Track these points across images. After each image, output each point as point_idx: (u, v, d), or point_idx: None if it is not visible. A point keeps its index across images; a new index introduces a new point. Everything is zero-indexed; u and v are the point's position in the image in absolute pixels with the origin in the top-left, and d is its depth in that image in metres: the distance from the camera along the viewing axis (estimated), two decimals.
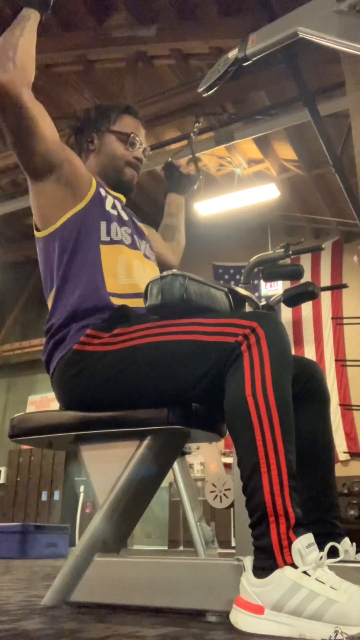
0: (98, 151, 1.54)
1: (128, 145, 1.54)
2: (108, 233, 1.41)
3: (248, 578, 0.97)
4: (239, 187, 6.79)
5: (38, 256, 1.45)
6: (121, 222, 1.46)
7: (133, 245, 1.45)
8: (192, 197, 6.20)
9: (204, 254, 7.94)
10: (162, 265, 1.65)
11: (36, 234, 1.43)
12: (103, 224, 1.41)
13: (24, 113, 1.26)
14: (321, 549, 0.98)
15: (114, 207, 1.47)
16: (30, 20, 1.34)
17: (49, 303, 1.39)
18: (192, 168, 1.88)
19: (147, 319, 1.24)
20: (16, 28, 1.32)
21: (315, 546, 0.97)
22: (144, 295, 1.22)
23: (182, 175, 1.87)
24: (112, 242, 1.40)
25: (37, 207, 1.41)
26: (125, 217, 1.49)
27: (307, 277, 1.91)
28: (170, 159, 1.89)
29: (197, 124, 1.92)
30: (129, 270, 1.39)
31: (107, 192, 1.48)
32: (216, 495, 4.45)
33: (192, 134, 1.99)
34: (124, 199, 1.57)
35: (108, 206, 1.44)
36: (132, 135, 1.55)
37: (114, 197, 1.50)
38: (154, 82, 5.43)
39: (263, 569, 0.96)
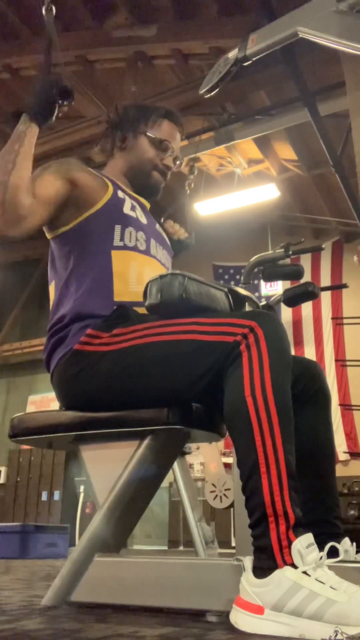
0: (129, 150, 1.52)
1: (160, 151, 1.52)
2: (122, 238, 1.38)
3: (248, 578, 0.97)
4: (239, 187, 6.80)
5: (49, 256, 1.44)
6: (138, 227, 1.42)
7: (147, 252, 1.43)
8: (192, 200, 6.20)
9: (204, 254, 7.92)
10: None
11: (47, 234, 1.43)
12: (118, 228, 1.38)
13: (21, 237, 1.26)
14: (321, 549, 0.98)
15: (132, 208, 1.43)
16: (26, 139, 1.27)
17: (52, 304, 1.39)
18: (182, 232, 1.66)
19: (146, 319, 1.24)
20: (10, 153, 1.24)
21: (315, 546, 0.97)
22: (144, 295, 1.22)
23: (172, 241, 1.63)
24: (124, 247, 1.38)
25: None
26: (144, 220, 1.46)
27: (307, 277, 1.91)
28: (162, 219, 1.67)
29: (192, 175, 1.83)
30: (140, 277, 1.36)
31: (126, 194, 1.45)
32: (216, 495, 4.46)
33: (186, 187, 1.90)
34: (147, 205, 1.54)
35: (126, 209, 1.42)
36: (165, 142, 1.52)
37: (136, 200, 1.47)
38: (154, 82, 5.43)
39: (263, 569, 0.96)
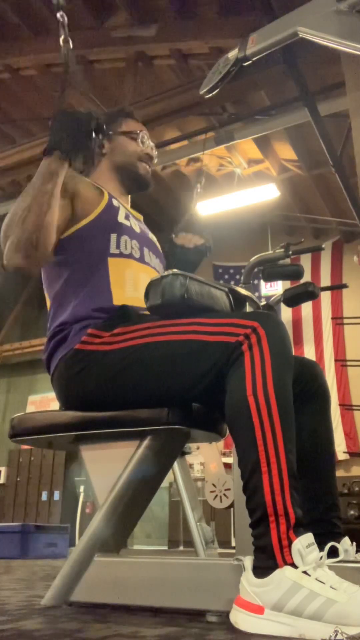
0: (110, 153, 1.56)
1: (139, 142, 1.57)
2: (117, 246, 1.40)
3: (248, 578, 0.97)
4: (239, 187, 6.80)
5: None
6: (132, 235, 1.45)
7: (142, 259, 1.45)
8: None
9: None
10: None
11: None
12: (113, 237, 1.40)
13: (48, 262, 1.33)
14: (321, 548, 0.98)
15: (126, 217, 1.46)
16: (59, 179, 1.25)
17: (50, 312, 1.39)
18: (196, 238, 1.61)
19: (148, 319, 1.24)
20: (44, 193, 1.23)
21: (315, 546, 0.97)
22: (145, 295, 1.22)
23: (188, 251, 1.60)
24: (120, 255, 1.39)
25: None
26: (137, 229, 1.48)
27: (307, 277, 1.91)
28: (173, 235, 1.63)
29: (199, 184, 1.82)
30: (136, 284, 1.38)
31: (120, 203, 1.47)
32: (216, 495, 4.46)
33: (195, 195, 1.89)
34: (141, 217, 1.58)
35: (121, 217, 1.44)
36: (139, 132, 1.58)
37: (128, 211, 1.50)
38: (154, 82, 5.43)
39: (263, 568, 0.96)
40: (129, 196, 1.61)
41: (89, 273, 1.35)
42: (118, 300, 1.34)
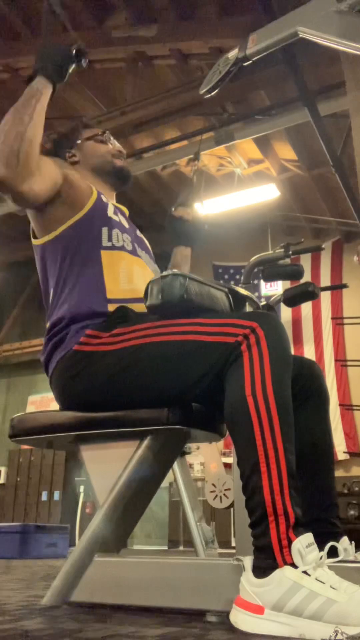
0: (82, 159, 1.59)
1: (107, 143, 1.62)
2: (109, 239, 1.41)
3: (248, 578, 0.97)
4: (239, 187, 6.80)
5: (36, 262, 1.45)
6: (123, 229, 1.47)
7: (134, 252, 1.46)
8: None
9: (204, 254, 7.93)
10: None
11: (34, 241, 1.44)
12: (105, 230, 1.42)
13: (27, 199, 1.30)
14: (321, 548, 0.98)
15: (115, 213, 1.48)
16: (42, 97, 1.31)
17: (48, 308, 1.39)
18: (195, 212, 1.69)
19: (147, 319, 1.24)
20: (27, 106, 1.27)
21: (315, 546, 0.97)
22: (144, 295, 1.22)
23: (186, 224, 1.66)
24: (113, 247, 1.41)
25: (35, 221, 1.42)
26: (126, 225, 1.51)
27: (307, 277, 1.92)
28: (172, 209, 1.70)
29: (197, 161, 1.86)
30: (129, 276, 1.39)
31: (107, 199, 1.50)
32: (216, 495, 4.46)
33: (192, 174, 1.94)
34: (126, 211, 1.60)
35: (110, 212, 1.46)
36: (103, 134, 1.63)
37: (116, 207, 1.53)
38: (154, 82, 5.43)
39: (263, 568, 0.96)
40: (114, 194, 1.64)
41: (84, 267, 1.36)
42: (111, 292, 1.34)
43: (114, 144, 1.63)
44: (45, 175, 1.31)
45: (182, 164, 6.92)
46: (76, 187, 1.42)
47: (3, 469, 8.81)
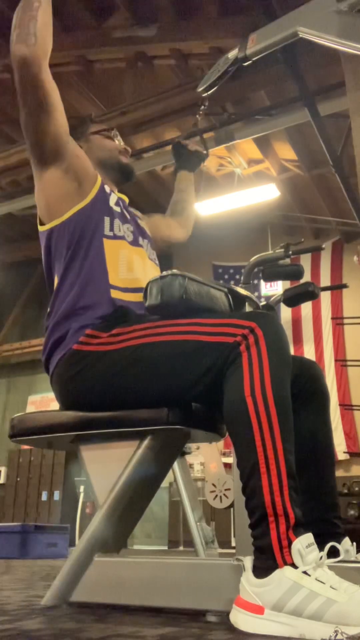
0: (89, 151, 1.59)
1: (111, 139, 1.63)
2: (111, 228, 1.43)
3: (248, 578, 0.97)
4: (239, 187, 6.79)
5: (42, 250, 1.45)
6: (124, 219, 1.49)
7: (135, 242, 1.48)
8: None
9: (204, 254, 7.94)
10: (171, 242, 1.82)
11: (40, 228, 1.44)
12: (107, 219, 1.43)
13: (42, 88, 1.30)
14: (321, 548, 0.98)
15: (117, 204, 1.50)
16: None
17: (52, 294, 1.40)
18: (199, 144, 1.97)
19: (146, 319, 1.24)
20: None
21: (315, 546, 0.97)
22: (144, 295, 1.22)
23: (190, 153, 1.93)
24: (114, 237, 1.42)
25: (43, 199, 1.42)
26: (127, 215, 1.53)
27: (307, 277, 1.92)
28: (177, 139, 2.00)
29: (203, 107, 1.95)
30: (129, 265, 1.40)
31: (110, 190, 1.52)
32: (216, 495, 4.45)
33: (197, 115, 2.02)
34: (126, 199, 1.61)
35: (112, 203, 1.48)
36: (110, 130, 1.64)
37: (118, 198, 1.54)
38: (154, 82, 5.43)
39: (263, 569, 0.96)
40: (116, 189, 1.64)
41: (87, 255, 1.37)
42: (113, 280, 1.36)
43: (121, 141, 1.65)
44: (60, 110, 1.35)
45: (189, 143, 6.91)
46: (84, 165, 1.44)
47: (3, 469, 8.81)
